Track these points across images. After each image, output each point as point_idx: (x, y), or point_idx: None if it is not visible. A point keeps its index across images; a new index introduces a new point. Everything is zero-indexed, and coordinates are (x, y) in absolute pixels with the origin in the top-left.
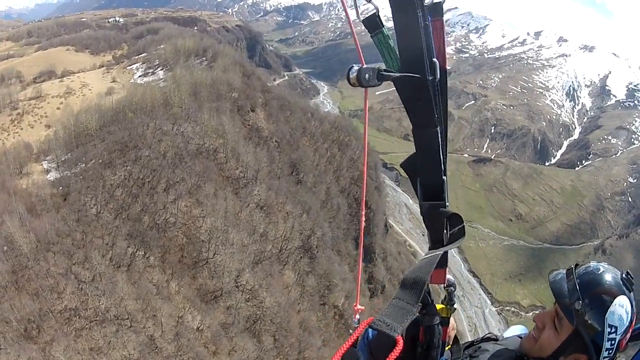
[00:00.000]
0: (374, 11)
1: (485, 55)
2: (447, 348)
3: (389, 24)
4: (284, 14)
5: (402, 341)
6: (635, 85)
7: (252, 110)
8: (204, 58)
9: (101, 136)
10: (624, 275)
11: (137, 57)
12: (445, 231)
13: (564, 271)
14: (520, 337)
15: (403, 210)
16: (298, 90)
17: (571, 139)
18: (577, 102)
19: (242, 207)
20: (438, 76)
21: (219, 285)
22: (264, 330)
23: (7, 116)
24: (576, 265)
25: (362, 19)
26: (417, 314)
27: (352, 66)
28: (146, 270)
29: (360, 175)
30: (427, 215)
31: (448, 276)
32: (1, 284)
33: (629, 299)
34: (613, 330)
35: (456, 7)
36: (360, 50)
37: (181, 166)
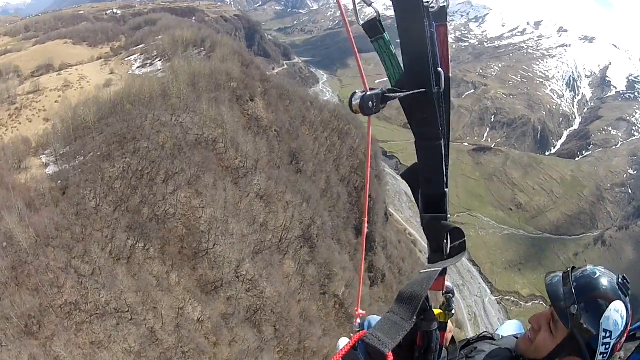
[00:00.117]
0: (375, 15)
1: (485, 44)
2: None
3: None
4: (282, 3)
5: (392, 357)
6: (635, 77)
7: (251, 100)
8: (203, 48)
9: (99, 129)
10: (620, 280)
11: (135, 48)
12: (445, 241)
13: (561, 274)
14: (516, 337)
15: (403, 199)
16: (297, 79)
17: (571, 129)
18: (577, 92)
19: (241, 197)
20: (443, 86)
21: (219, 275)
22: (264, 320)
23: (5, 111)
24: (573, 268)
25: (361, 23)
26: (409, 329)
27: (355, 92)
28: (146, 262)
29: (360, 164)
30: (429, 227)
31: (447, 283)
32: (1, 280)
33: (625, 303)
34: (608, 334)
35: None
36: (360, 62)
37: (180, 157)
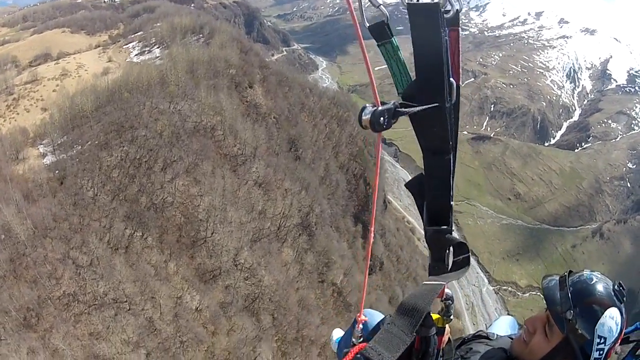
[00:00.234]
0: (383, 19)
1: (486, 33)
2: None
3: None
4: None
5: None
6: (636, 71)
7: (250, 87)
8: (201, 35)
9: (97, 117)
10: (616, 287)
11: (133, 36)
12: (447, 251)
13: (558, 278)
14: (511, 338)
15: (402, 187)
16: (296, 66)
17: (571, 120)
18: (577, 84)
19: (240, 184)
20: (454, 98)
21: (218, 264)
22: (262, 308)
23: (3, 102)
24: (570, 272)
25: (368, 25)
26: (410, 343)
27: (365, 107)
28: (144, 252)
29: (359, 151)
30: (432, 239)
31: (446, 290)
32: None
33: (620, 310)
34: (602, 341)
35: None
36: (372, 75)
37: (178, 145)
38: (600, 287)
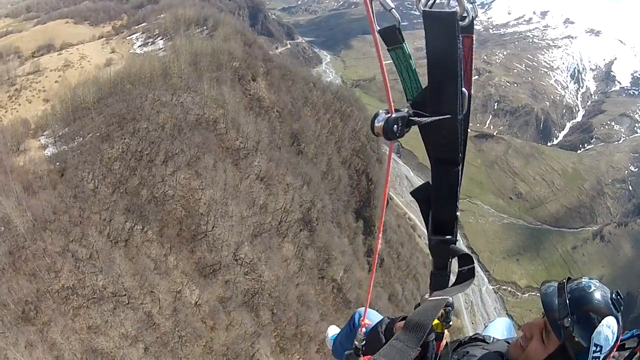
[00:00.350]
0: (394, 23)
1: (490, 31)
2: None
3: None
4: None
5: None
6: None
7: (253, 80)
8: (205, 27)
9: (99, 109)
10: (613, 296)
11: (137, 27)
12: (450, 260)
13: (556, 284)
14: (508, 343)
15: (404, 183)
16: (300, 59)
17: (574, 121)
18: (581, 84)
19: (241, 178)
20: (466, 109)
21: (218, 258)
22: (262, 304)
23: (5, 93)
24: (568, 279)
25: (378, 29)
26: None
27: (378, 113)
28: (144, 245)
29: (361, 146)
30: (436, 249)
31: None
32: None
33: (617, 319)
34: (598, 349)
35: None
36: (387, 78)
37: (180, 138)
38: (598, 295)
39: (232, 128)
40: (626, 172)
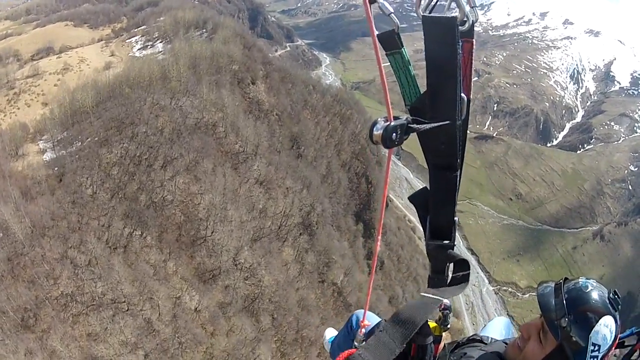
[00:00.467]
0: (394, 28)
1: (490, 32)
2: None
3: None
4: None
5: None
6: (639, 74)
7: (252, 83)
8: (204, 30)
9: (97, 113)
10: (611, 295)
11: (136, 30)
12: (448, 265)
13: (553, 285)
14: (506, 343)
15: (403, 185)
16: (300, 62)
17: (574, 121)
18: (580, 85)
19: (241, 182)
20: (464, 114)
21: (217, 264)
22: (262, 309)
23: (4, 96)
24: (565, 279)
25: (377, 33)
26: (398, 354)
27: (377, 121)
28: (143, 251)
29: (361, 149)
30: (434, 254)
31: (445, 300)
32: None
33: (614, 318)
34: (596, 348)
35: None
36: (386, 86)
37: (179, 142)
38: (595, 295)
39: (232, 132)
40: (626, 171)
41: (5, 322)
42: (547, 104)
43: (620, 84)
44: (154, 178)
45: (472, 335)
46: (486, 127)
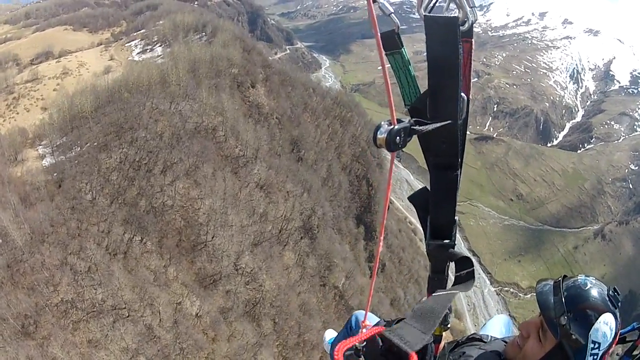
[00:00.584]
0: (394, 28)
1: (489, 33)
2: None
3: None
4: None
5: (416, 358)
6: (639, 73)
7: (252, 87)
8: (204, 33)
9: (96, 118)
10: (610, 292)
11: (135, 33)
12: (448, 264)
13: (552, 282)
14: (505, 342)
15: (404, 187)
16: (300, 64)
17: (574, 121)
18: (580, 85)
19: (241, 187)
20: (464, 113)
21: (218, 269)
22: (263, 314)
23: (3, 101)
24: (564, 277)
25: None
26: (429, 342)
27: (381, 124)
28: (143, 257)
29: (361, 152)
30: (434, 253)
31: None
32: None
33: (614, 315)
34: (596, 346)
35: None
36: (390, 92)
37: (178, 146)
38: (594, 292)
39: (232, 136)
40: (626, 170)
41: (6, 329)
42: (547, 104)
43: (620, 82)
44: (154, 183)
45: (471, 334)
46: (486, 128)
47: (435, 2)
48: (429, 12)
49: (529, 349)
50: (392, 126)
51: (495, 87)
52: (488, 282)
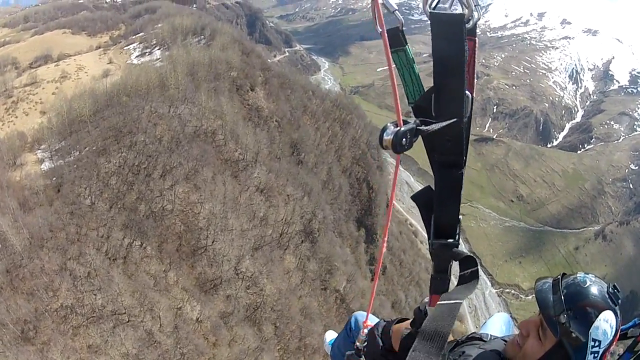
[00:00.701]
0: (398, 25)
1: (488, 34)
2: None
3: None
4: None
5: None
6: (638, 72)
7: (251, 90)
8: (202, 36)
9: (95, 122)
10: (610, 290)
11: (134, 37)
12: (451, 263)
13: (551, 280)
14: (505, 341)
15: (404, 189)
16: (299, 67)
17: (573, 121)
18: (579, 85)
19: (241, 191)
20: (469, 112)
21: (218, 273)
22: (264, 318)
23: (2, 104)
24: (563, 275)
25: (380, 31)
26: None
27: (387, 126)
28: (143, 262)
29: (362, 154)
30: (438, 253)
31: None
32: None
33: (614, 313)
34: (597, 344)
35: None
36: (397, 95)
37: (178, 150)
38: (594, 290)
39: (231, 139)
40: (627, 170)
41: (5, 334)
42: (547, 105)
43: (619, 82)
44: (153, 187)
45: (471, 334)
46: (486, 129)
47: (439, 0)
48: (434, 10)
49: (529, 348)
50: (398, 128)
51: (494, 88)
52: (489, 283)
